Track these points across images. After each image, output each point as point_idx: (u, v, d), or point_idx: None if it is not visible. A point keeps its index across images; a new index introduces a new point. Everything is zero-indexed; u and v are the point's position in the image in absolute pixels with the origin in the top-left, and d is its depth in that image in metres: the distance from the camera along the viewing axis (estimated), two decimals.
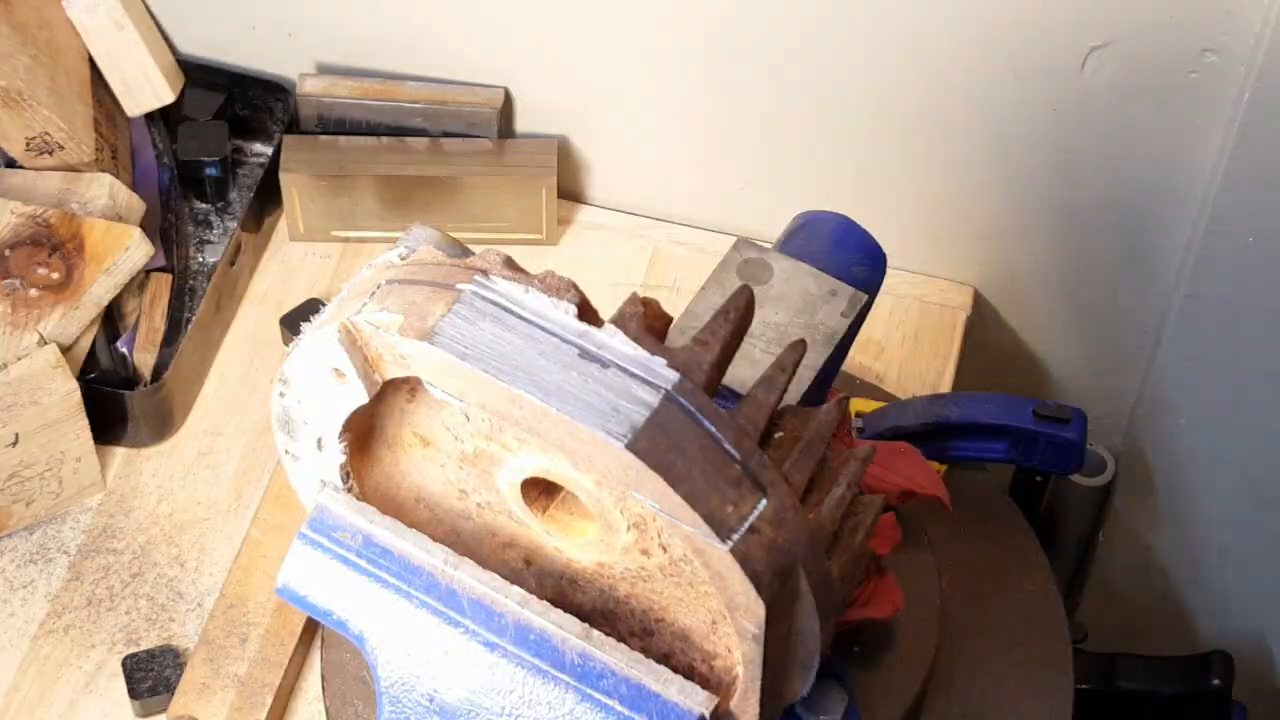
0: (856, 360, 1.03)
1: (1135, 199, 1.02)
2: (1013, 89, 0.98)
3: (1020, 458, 0.92)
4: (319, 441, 0.65)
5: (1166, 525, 1.16)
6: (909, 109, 1.02)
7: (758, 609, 0.56)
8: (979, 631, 0.86)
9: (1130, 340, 1.10)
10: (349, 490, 0.66)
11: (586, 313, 0.59)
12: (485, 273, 0.59)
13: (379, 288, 0.61)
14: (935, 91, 1.00)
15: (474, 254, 0.62)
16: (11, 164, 1.06)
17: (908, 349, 1.06)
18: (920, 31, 0.98)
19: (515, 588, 0.62)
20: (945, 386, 1.04)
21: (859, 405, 0.95)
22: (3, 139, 1.01)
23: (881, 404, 0.95)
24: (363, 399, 0.61)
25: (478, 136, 1.08)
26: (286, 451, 0.66)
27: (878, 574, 0.75)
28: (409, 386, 0.63)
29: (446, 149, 1.08)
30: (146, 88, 1.06)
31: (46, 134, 1.00)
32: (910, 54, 0.99)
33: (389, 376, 0.61)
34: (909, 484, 0.77)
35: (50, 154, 1.01)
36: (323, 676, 0.88)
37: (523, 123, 1.10)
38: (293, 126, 1.10)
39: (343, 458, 0.65)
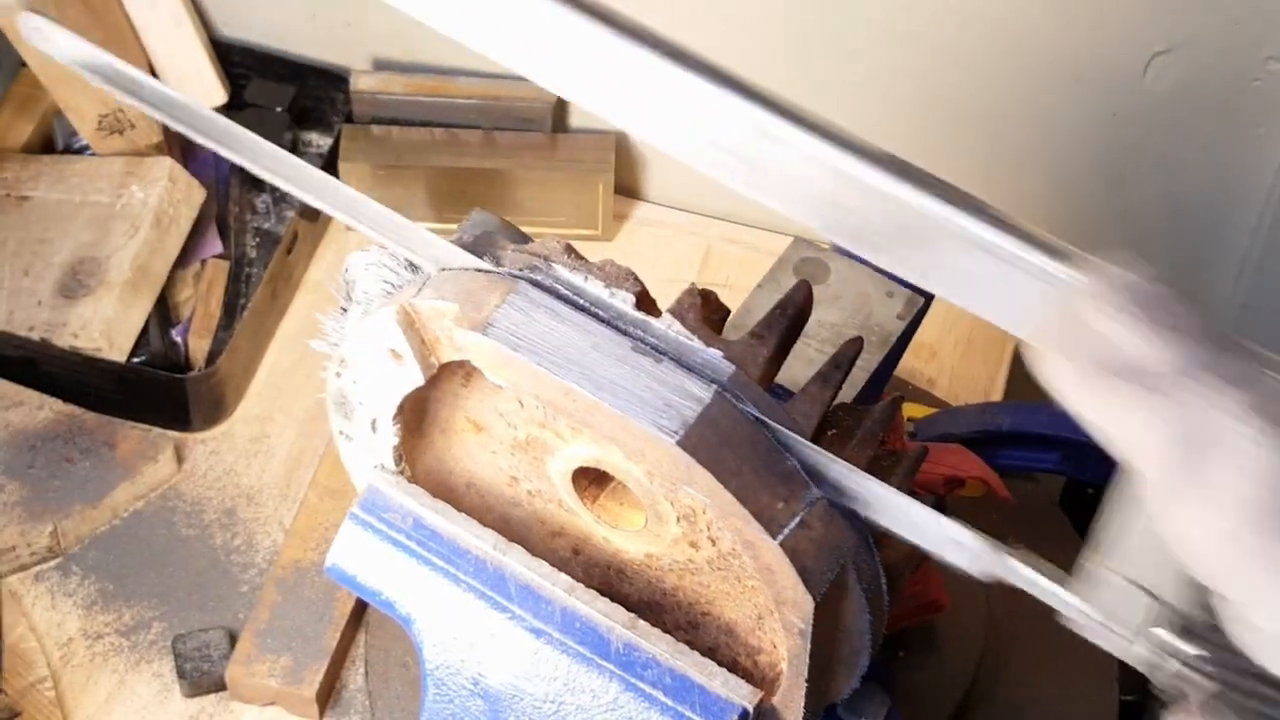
0: (909, 363, 1.03)
1: (1193, 207, 1.01)
2: (1073, 93, 0.98)
3: (1071, 469, 0.92)
4: (373, 423, 0.65)
5: None
6: (965, 110, 1.02)
7: (806, 604, 0.56)
8: (1024, 641, 0.86)
9: None
10: (401, 472, 0.67)
11: (645, 302, 0.59)
12: (546, 259, 0.59)
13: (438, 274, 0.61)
14: (993, 95, 1.00)
15: (533, 241, 0.63)
16: (68, 149, 1.08)
17: (960, 353, 1.06)
18: (980, 33, 0.97)
19: (563, 575, 0.62)
20: (997, 393, 1.04)
21: (910, 410, 0.95)
22: (76, 115, 1.03)
23: (933, 410, 0.95)
24: (418, 381, 0.62)
25: (531, 130, 1.09)
26: (341, 432, 0.67)
27: (925, 575, 0.75)
28: (464, 371, 0.63)
29: (501, 142, 1.09)
30: (200, 86, 1.08)
31: (120, 110, 1.01)
32: (970, 56, 0.99)
33: (445, 360, 0.61)
34: (955, 471, 0.77)
35: (120, 133, 1.02)
36: (366, 660, 0.89)
37: (576, 117, 1.11)
38: (348, 120, 1.11)
39: (396, 440, 0.65)
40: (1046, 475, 0.94)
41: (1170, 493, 0.41)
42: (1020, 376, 1.07)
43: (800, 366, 0.71)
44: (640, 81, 0.48)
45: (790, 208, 0.48)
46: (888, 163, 0.46)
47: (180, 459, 0.99)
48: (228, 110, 1.10)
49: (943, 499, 0.80)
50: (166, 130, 1.06)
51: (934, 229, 0.45)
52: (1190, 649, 0.47)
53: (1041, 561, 0.53)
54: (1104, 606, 0.50)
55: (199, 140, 0.61)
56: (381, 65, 1.12)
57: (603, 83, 0.49)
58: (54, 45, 0.61)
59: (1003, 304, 0.45)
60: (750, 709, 0.60)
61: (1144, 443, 0.41)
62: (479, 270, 0.60)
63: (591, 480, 0.63)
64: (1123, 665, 0.84)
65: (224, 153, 0.61)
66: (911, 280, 0.47)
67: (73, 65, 0.61)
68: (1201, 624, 0.46)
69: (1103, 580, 0.49)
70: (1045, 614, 0.75)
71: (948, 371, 1.05)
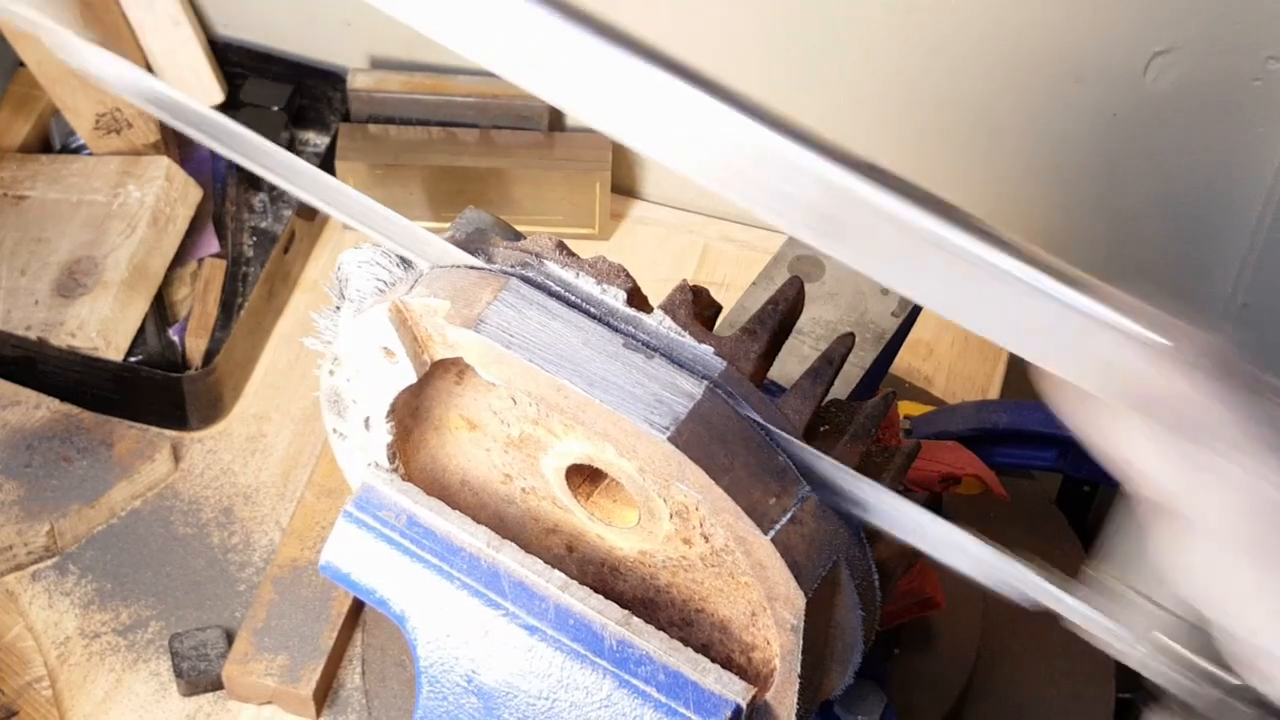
0: (905, 361, 1.03)
1: (1193, 206, 1.01)
2: (1073, 92, 0.98)
3: (1068, 467, 0.91)
4: (367, 421, 0.65)
5: None
6: (965, 110, 1.02)
7: (797, 600, 0.56)
8: (1020, 639, 0.86)
9: None
10: (395, 470, 0.67)
11: (636, 299, 0.59)
12: (537, 256, 0.59)
13: (430, 271, 0.61)
14: (993, 94, 1.00)
15: (525, 238, 0.62)
16: (65, 149, 1.08)
17: (957, 351, 1.05)
18: (980, 33, 0.97)
19: (557, 572, 0.62)
20: (994, 391, 1.04)
21: (907, 408, 0.95)
22: (74, 114, 1.03)
23: (930, 407, 0.95)
24: (411, 379, 0.62)
25: (528, 129, 1.09)
26: (334, 430, 0.67)
27: (920, 573, 0.74)
28: (457, 369, 0.63)
29: (498, 141, 1.09)
30: (197, 86, 1.08)
31: (117, 110, 1.01)
32: (970, 56, 0.98)
33: (438, 357, 0.61)
34: (952, 468, 0.77)
35: (118, 133, 1.02)
36: (362, 659, 0.89)
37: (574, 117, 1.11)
38: (345, 118, 1.11)
39: (390, 438, 0.65)
40: (1043, 473, 0.94)
41: (1173, 520, 0.42)
42: (1017, 374, 1.07)
43: (794, 363, 0.71)
44: (632, 91, 0.48)
45: (712, 180, 0.48)
46: (959, 219, 0.45)
47: (177, 458, 0.99)
48: (225, 109, 1.09)
49: (939, 497, 0.80)
50: (164, 129, 1.06)
51: (1011, 286, 0.45)
52: (1190, 656, 0.47)
53: (1046, 567, 0.53)
54: (1109, 611, 0.50)
55: (194, 135, 0.61)
56: (379, 64, 1.12)
57: (594, 92, 0.49)
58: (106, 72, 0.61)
59: (1067, 356, 0.45)
60: (744, 705, 0.60)
61: (1153, 472, 0.42)
62: (471, 267, 0.60)
63: (585, 477, 0.63)
64: (1119, 663, 0.83)
65: (221, 150, 0.61)
66: (980, 333, 0.47)
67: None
68: (1202, 633, 0.46)
69: (1104, 585, 0.49)
70: (1042, 611, 0.74)
71: (945, 369, 1.05)
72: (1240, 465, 0.42)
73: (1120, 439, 0.44)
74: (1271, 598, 0.42)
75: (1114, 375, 0.44)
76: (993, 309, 0.45)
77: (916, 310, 0.78)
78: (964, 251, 0.45)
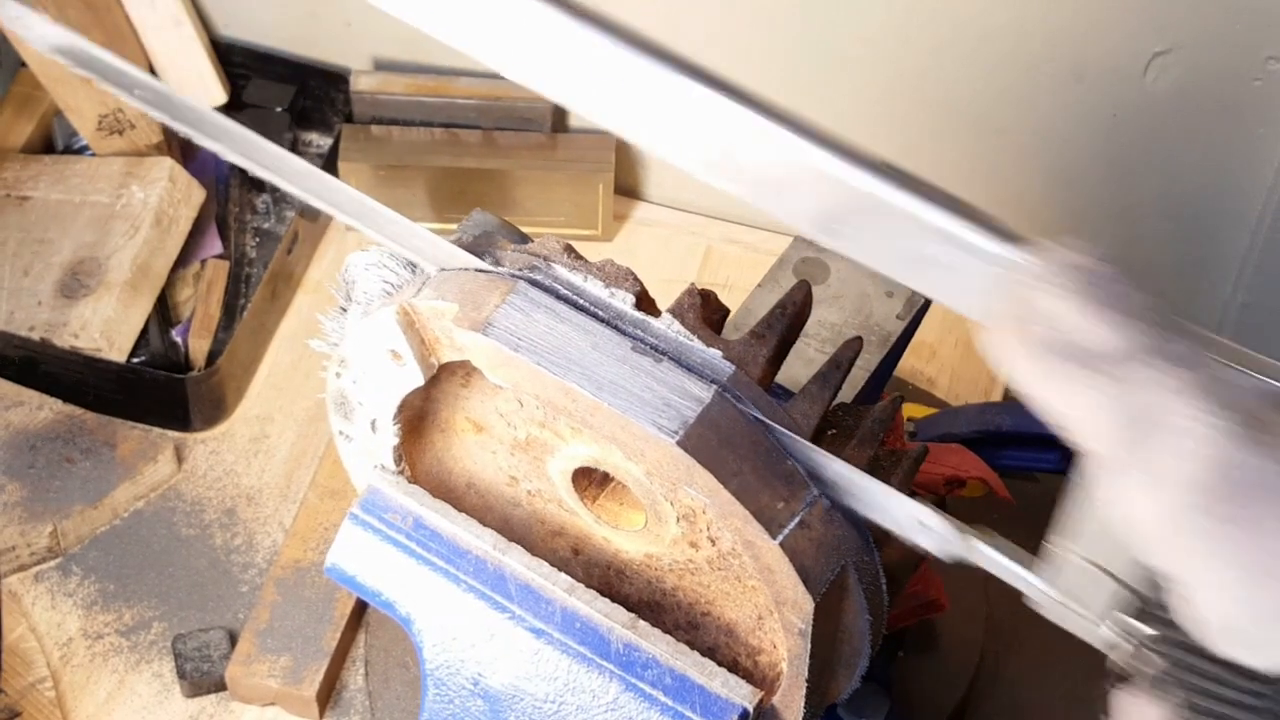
0: (909, 363, 1.03)
1: (1193, 206, 1.01)
2: (1074, 92, 0.98)
3: (1073, 469, 0.91)
4: (373, 423, 0.65)
5: None
6: (965, 110, 1.02)
7: (805, 604, 0.56)
8: (1025, 642, 0.86)
9: None
10: (401, 473, 0.67)
11: (644, 302, 0.59)
12: (545, 259, 0.60)
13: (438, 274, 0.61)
14: (993, 95, 1.00)
15: (532, 241, 0.63)
16: (69, 149, 1.08)
17: (961, 353, 1.05)
18: (980, 33, 0.97)
19: (563, 575, 0.62)
20: (998, 393, 1.04)
21: (911, 410, 0.95)
22: (77, 116, 1.03)
23: (933, 409, 0.95)
24: (418, 381, 0.62)
25: (531, 131, 1.09)
26: (341, 432, 0.67)
27: (924, 576, 0.75)
28: (464, 371, 0.63)
29: (501, 143, 1.09)
30: (200, 87, 1.07)
31: (120, 110, 1.01)
32: (970, 56, 0.99)
33: (445, 360, 0.61)
34: (955, 471, 0.77)
35: (120, 134, 1.02)
36: (365, 661, 0.89)
37: (576, 118, 1.11)
38: (348, 120, 1.11)
39: (396, 440, 0.65)
40: (1047, 475, 0.94)
41: (1116, 473, 0.42)
42: None
43: (800, 366, 0.71)
44: (635, 87, 0.48)
45: (747, 193, 0.48)
46: (839, 147, 0.47)
47: (180, 459, 0.99)
48: (227, 110, 1.09)
49: (943, 499, 0.80)
50: (166, 130, 1.06)
51: (886, 212, 0.46)
52: (1145, 629, 0.47)
53: (1006, 543, 0.54)
54: (1067, 589, 0.50)
55: (194, 136, 0.61)
56: (382, 65, 1.12)
57: (596, 88, 0.49)
58: (34, 33, 0.61)
59: (955, 286, 0.46)
60: (750, 709, 0.60)
61: (1091, 424, 0.42)
62: (478, 270, 0.60)
63: (591, 480, 0.64)
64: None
65: (222, 151, 0.61)
66: (865, 263, 0.48)
67: (54, 55, 0.60)
68: (1157, 605, 0.46)
69: (1066, 563, 0.49)
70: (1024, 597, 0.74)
71: (948, 371, 1.05)
72: (1120, 381, 0.41)
73: (1053, 387, 0.43)
74: (1220, 547, 0.40)
75: (981, 296, 0.44)
76: (872, 236, 0.46)
77: (921, 312, 0.78)
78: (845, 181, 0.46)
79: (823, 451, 0.56)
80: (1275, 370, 0.44)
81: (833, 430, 0.61)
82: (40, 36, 0.60)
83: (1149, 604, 0.47)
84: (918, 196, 0.46)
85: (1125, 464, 0.42)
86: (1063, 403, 0.43)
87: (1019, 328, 0.43)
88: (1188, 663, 0.44)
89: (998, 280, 0.45)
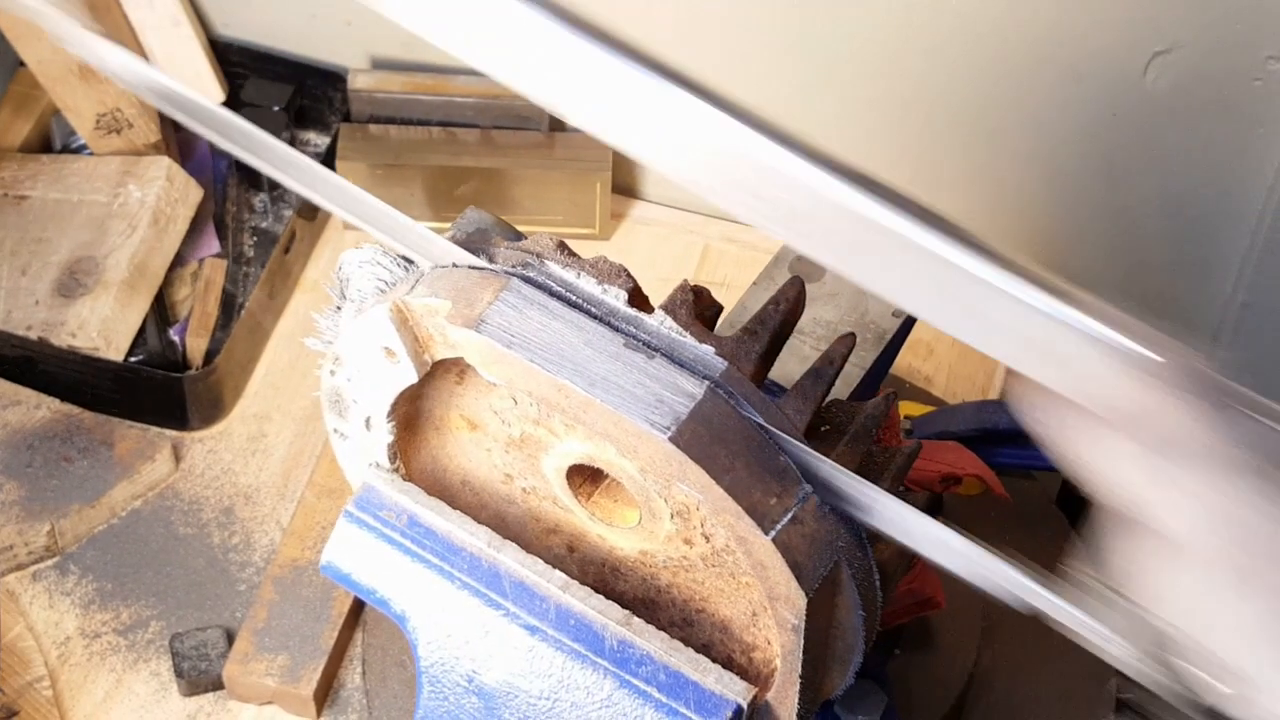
0: (905, 361, 1.03)
1: (1194, 206, 1.01)
2: (1073, 92, 0.98)
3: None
4: (367, 421, 0.65)
5: None
6: (965, 110, 1.02)
7: (798, 600, 0.56)
8: (1020, 639, 0.86)
9: None
10: (396, 470, 0.67)
11: (637, 299, 0.59)
12: (538, 256, 0.60)
13: (431, 270, 0.61)
14: (993, 95, 1.00)
15: (526, 239, 0.63)
16: (66, 149, 1.08)
17: (958, 351, 1.05)
18: (980, 33, 0.97)
19: (558, 572, 0.62)
20: (995, 390, 1.04)
21: (907, 409, 0.95)
22: (75, 114, 1.03)
23: (930, 407, 0.95)
24: (412, 379, 0.62)
25: (529, 129, 1.09)
26: (335, 430, 0.67)
27: (921, 573, 0.74)
28: (458, 369, 0.63)
29: (499, 141, 1.09)
30: (198, 86, 1.08)
31: (118, 110, 1.01)
32: (970, 56, 0.98)
33: (439, 357, 0.61)
34: (952, 468, 0.77)
35: (118, 133, 1.02)
36: (362, 659, 0.89)
37: None
38: (346, 118, 1.11)
39: (390, 438, 0.65)
40: (1044, 473, 0.94)
41: (1212, 581, 0.42)
42: None
43: (795, 363, 0.71)
44: (629, 99, 0.48)
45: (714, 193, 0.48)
46: (948, 229, 0.46)
47: (178, 458, 0.99)
48: (225, 109, 1.10)
49: (939, 497, 0.80)
50: (164, 129, 1.06)
51: (1002, 304, 0.45)
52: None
53: (1040, 570, 0.53)
54: (1099, 617, 0.50)
55: (199, 129, 0.61)
56: (379, 64, 1.12)
57: (587, 97, 0.49)
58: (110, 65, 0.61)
59: (1070, 375, 0.45)
60: (744, 705, 0.60)
61: (1184, 523, 0.42)
62: (472, 267, 0.60)
63: (586, 477, 0.63)
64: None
65: (225, 145, 0.61)
66: (975, 345, 0.47)
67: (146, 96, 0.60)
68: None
69: (1099, 593, 0.49)
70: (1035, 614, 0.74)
71: (945, 369, 1.05)
72: (1218, 485, 0.42)
73: (1091, 449, 0.43)
74: (1246, 623, 0.41)
75: (1097, 388, 0.44)
76: (980, 319, 0.46)
77: None
78: (954, 263, 0.45)
79: (864, 481, 0.56)
80: None
81: (826, 427, 0.61)
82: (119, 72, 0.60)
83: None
84: (1029, 282, 0.45)
85: (1154, 527, 0.42)
86: (1102, 463, 0.43)
87: (1135, 426, 0.43)
88: None
89: (1117, 374, 0.44)
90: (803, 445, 0.56)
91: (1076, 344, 0.45)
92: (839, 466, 0.56)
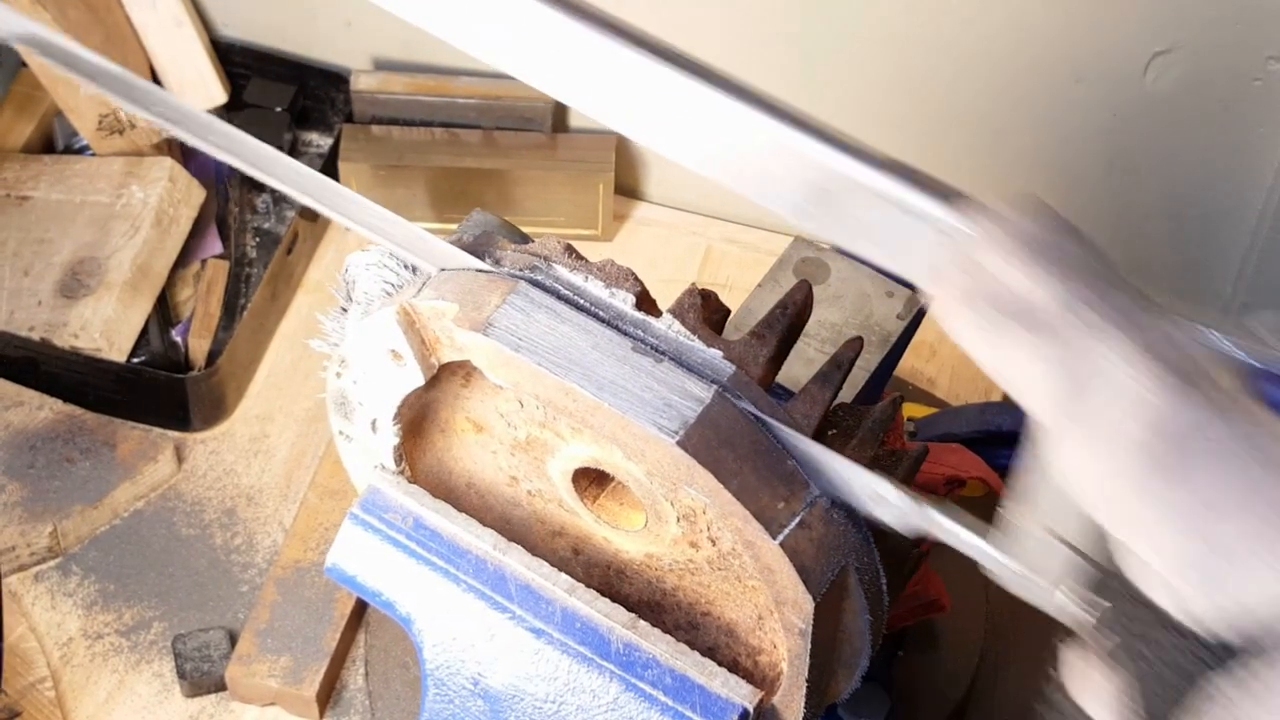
0: (909, 363, 1.03)
1: (1194, 207, 1.01)
2: (1073, 92, 0.98)
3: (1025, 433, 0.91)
4: (374, 423, 0.65)
5: None
6: (965, 110, 1.02)
7: (805, 604, 0.56)
8: (1025, 641, 0.86)
9: None
10: (401, 473, 0.67)
11: (645, 303, 0.59)
12: (546, 259, 0.60)
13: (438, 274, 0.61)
14: (993, 95, 1.00)
15: (533, 241, 0.63)
16: (69, 149, 1.08)
17: (960, 353, 1.05)
18: (980, 33, 0.97)
19: (563, 575, 0.62)
20: (998, 393, 1.04)
21: (911, 410, 0.95)
22: (77, 115, 1.02)
23: (933, 409, 0.95)
24: (419, 381, 0.62)
25: (531, 130, 1.09)
26: (341, 432, 0.67)
27: (925, 576, 0.75)
28: (464, 371, 0.63)
29: (502, 142, 1.09)
30: (200, 87, 1.07)
31: (120, 110, 1.01)
32: (970, 56, 0.99)
33: (446, 360, 0.61)
34: (955, 471, 0.77)
35: (121, 133, 1.02)
36: (365, 661, 0.89)
37: (576, 118, 1.11)
38: (349, 119, 1.11)
39: (396, 440, 0.65)
40: None
41: (1059, 431, 0.41)
42: None
43: (801, 366, 0.71)
44: (635, 85, 0.48)
45: (703, 166, 0.48)
46: (790, 116, 0.46)
47: (180, 459, 0.99)
48: (228, 110, 1.10)
49: (943, 499, 0.80)
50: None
51: (834, 179, 0.46)
52: (1099, 599, 0.46)
53: (962, 513, 0.53)
54: (1024, 557, 0.50)
55: (192, 141, 0.61)
56: (382, 65, 1.12)
57: (598, 87, 0.49)
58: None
59: (901, 252, 0.45)
60: (750, 709, 0.60)
61: (1034, 382, 0.42)
62: (479, 270, 0.60)
63: (592, 480, 0.64)
64: None
65: (220, 155, 0.61)
66: (818, 235, 0.48)
67: (12, 42, 0.60)
68: (1112, 573, 0.46)
69: (1022, 531, 0.49)
70: (1047, 615, 0.75)
71: (948, 371, 1.05)
72: (1061, 338, 0.40)
73: (994, 346, 0.43)
74: (1161, 502, 0.40)
75: (930, 263, 0.44)
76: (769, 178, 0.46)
77: (922, 312, 0.78)
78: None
79: (819, 445, 0.56)
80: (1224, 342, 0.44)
81: (833, 430, 0.61)
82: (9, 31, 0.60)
83: (1104, 571, 0.47)
84: (859, 159, 0.46)
85: (1066, 421, 0.41)
86: (1004, 362, 0.42)
87: (960, 287, 0.43)
88: (1140, 630, 0.43)
89: (939, 241, 0.44)
90: (811, 441, 0.56)
91: (897, 216, 0.45)
92: (851, 462, 0.56)
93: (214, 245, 1.05)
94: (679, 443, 0.55)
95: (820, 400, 0.59)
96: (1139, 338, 0.41)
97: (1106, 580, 0.46)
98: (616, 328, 0.58)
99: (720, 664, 0.61)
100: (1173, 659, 0.42)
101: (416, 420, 0.66)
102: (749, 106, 0.47)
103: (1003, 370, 0.43)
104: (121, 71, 0.60)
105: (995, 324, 0.42)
